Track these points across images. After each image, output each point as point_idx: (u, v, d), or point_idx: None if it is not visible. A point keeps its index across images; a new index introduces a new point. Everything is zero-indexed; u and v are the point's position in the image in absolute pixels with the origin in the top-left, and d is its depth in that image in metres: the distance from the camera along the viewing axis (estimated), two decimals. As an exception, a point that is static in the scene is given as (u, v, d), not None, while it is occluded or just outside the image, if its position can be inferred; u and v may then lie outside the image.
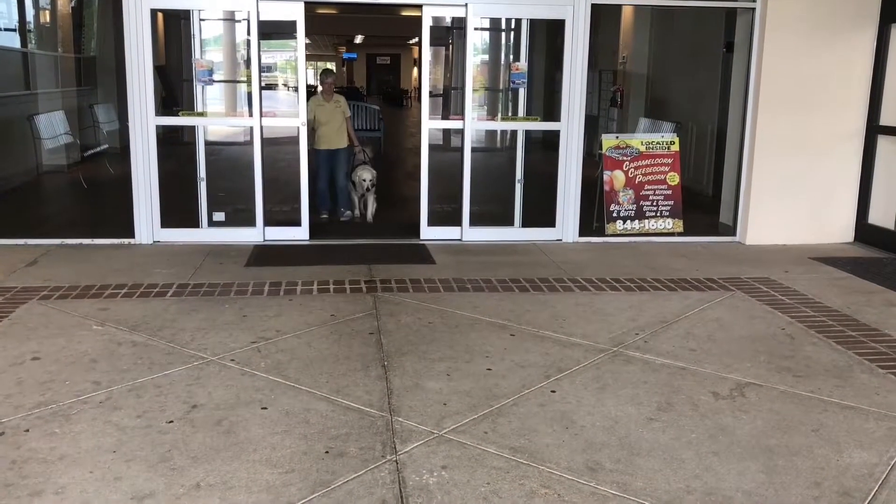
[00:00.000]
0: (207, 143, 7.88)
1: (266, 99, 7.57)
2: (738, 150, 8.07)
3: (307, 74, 8.15)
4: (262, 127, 7.44)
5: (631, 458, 3.53)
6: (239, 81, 8.83)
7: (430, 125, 7.87)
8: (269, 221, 7.64)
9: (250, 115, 7.51)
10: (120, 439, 3.61)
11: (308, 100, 7.90)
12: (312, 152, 8.03)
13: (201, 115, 7.95)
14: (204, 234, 7.55)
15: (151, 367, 4.44)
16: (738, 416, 3.96)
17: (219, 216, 7.72)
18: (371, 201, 8.73)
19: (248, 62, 7.64)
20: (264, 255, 7.14)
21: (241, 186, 7.88)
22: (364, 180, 8.63)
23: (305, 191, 7.66)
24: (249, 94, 7.51)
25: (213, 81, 7.71)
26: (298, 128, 7.62)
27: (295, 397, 4.09)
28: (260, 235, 7.60)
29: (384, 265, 6.75)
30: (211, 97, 8.51)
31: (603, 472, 3.39)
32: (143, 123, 7.28)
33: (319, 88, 8.81)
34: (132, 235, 7.43)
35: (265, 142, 7.52)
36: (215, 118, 8.95)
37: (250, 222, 7.62)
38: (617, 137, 8.21)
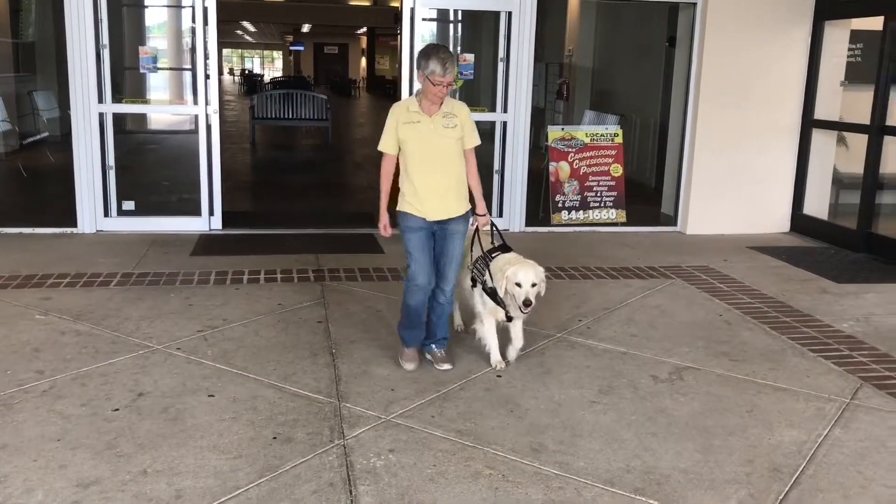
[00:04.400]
0: (149, 132, 7.77)
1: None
2: (679, 143, 8.26)
3: (214, 53, 7.29)
4: (207, 115, 7.36)
5: (573, 439, 3.63)
6: (184, 69, 8.40)
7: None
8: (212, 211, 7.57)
9: (195, 102, 7.43)
10: (64, 428, 3.58)
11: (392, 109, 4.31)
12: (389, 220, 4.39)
13: (146, 102, 7.86)
14: (149, 224, 7.45)
15: (96, 356, 4.39)
16: (677, 399, 4.09)
17: (163, 205, 7.64)
18: (520, 329, 4.47)
19: (193, 49, 7.54)
20: (210, 244, 7.09)
21: (185, 176, 7.80)
22: (520, 285, 4.19)
23: (216, 180, 7.45)
24: (195, 82, 7.42)
25: (158, 69, 7.60)
26: (196, 116, 7.42)
27: (242, 385, 4.10)
28: (206, 224, 7.53)
29: (332, 254, 6.76)
30: (154, 85, 8.40)
31: (546, 453, 3.48)
32: (86, 110, 7.14)
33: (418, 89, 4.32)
34: (74, 224, 7.30)
35: (204, 130, 7.42)
36: (160, 106, 8.84)
37: (196, 212, 7.54)
38: (562, 129, 8.34)
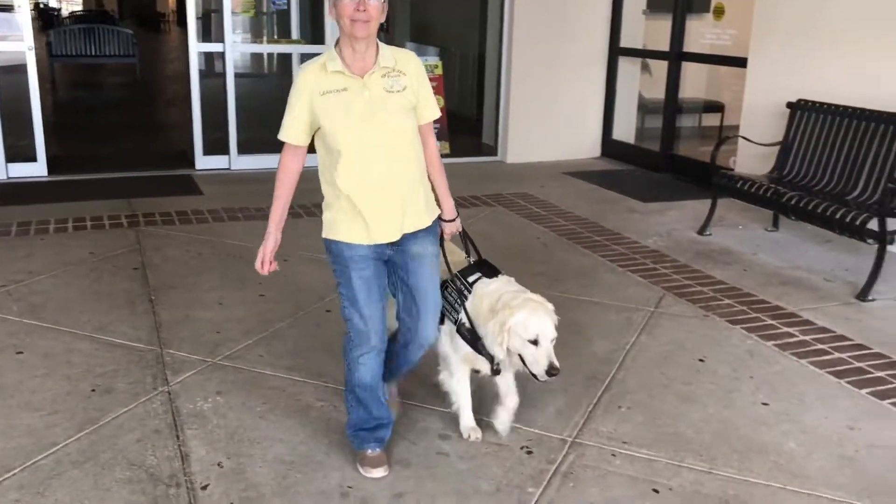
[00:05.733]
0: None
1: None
2: (496, 74, 8.43)
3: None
4: (-6, 52, 6.74)
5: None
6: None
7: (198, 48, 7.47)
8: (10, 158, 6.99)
9: (-21, 38, 6.76)
10: None
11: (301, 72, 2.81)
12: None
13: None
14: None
15: None
16: (499, 320, 4.26)
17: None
18: (511, 380, 3.22)
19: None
20: (8, 193, 6.55)
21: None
22: (538, 342, 2.98)
23: (37, 122, 7.06)
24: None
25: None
26: (25, 52, 6.86)
27: (54, 339, 3.88)
28: (2, 172, 6.94)
29: (146, 198, 6.44)
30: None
31: (376, 381, 3.54)
32: None
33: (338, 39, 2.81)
34: None
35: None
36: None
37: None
38: (382, 61, 8.26)
